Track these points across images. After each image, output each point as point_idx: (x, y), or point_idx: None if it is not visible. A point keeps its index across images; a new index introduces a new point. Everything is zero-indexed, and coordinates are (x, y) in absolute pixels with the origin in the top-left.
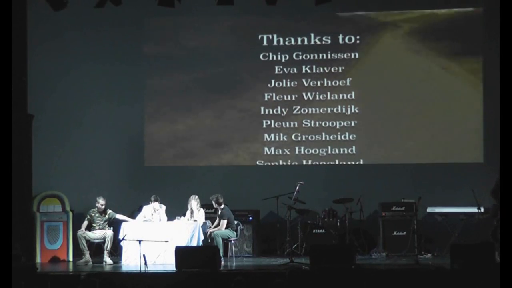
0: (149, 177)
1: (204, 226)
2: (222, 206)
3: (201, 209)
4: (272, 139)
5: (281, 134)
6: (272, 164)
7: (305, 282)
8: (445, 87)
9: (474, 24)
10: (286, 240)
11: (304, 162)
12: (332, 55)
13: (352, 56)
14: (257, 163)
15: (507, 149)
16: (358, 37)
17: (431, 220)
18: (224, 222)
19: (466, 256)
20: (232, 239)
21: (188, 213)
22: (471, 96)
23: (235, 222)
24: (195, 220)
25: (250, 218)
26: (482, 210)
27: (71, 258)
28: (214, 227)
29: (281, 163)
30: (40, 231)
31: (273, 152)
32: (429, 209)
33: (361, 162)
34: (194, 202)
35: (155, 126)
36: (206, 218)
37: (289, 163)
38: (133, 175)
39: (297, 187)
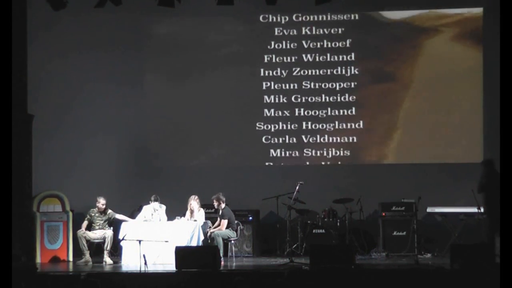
0: (149, 177)
1: (204, 226)
2: (223, 205)
3: (201, 209)
4: (272, 100)
5: (281, 96)
6: (272, 125)
7: (305, 282)
8: (445, 87)
9: (475, 24)
10: (286, 240)
11: (304, 124)
12: (332, 16)
13: (352, 18)
14: (257, 124)
15: (507, 149)
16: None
17: (431, 220)
18: (224, 222)
19: (466, 256)
20: (232, 239)
21: (188, 213)
22: (471, 96)
23: (235, 222)
24: (195, 220)
25: (250, 218)
26: (482, 210)
27: (71, 258)
28: (215, 227)
29: (281, 125)
30: (40, 231)
31: (273, 114)
32: (429, 209)
33: (361, 124)
34: (194, 202)
35: (155, 126)
36: (206, 218)
37: (289, 125)
38: (133, 175)
39: (297, 187)
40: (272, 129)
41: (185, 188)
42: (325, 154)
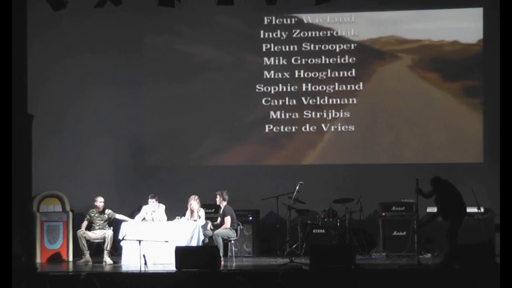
0: (149, 177)
1: (204, 226)
2: (225, 204)
3: (201, 209)
4: (272, 62)
5: (281, 58)
6: (272, 87)
7: (305, 282)
8: (445, 87)
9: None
10: (286, 240)
11: (304, 86)
12: None
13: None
14: (257, 87)
15: (507, 149)
16: None
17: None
18: (228, 219)
19: (466, 256)
20: (232, 239)
21: (188, 213)
22: (471, 96)
23: (236, 221)
24: (195, 220)
25: (250, 218)
26: (482, 210)
27: (71, 258)
28: (216, 226)
29: (280, 87)
30: (40, 231)
31: (272, 76)
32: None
33: (361, 86)
34: (194, 202)
35: (155, 126)
36: (206, 218)
37: (289, 87)
38: (133, 175)
39: (297, 187)
40: (272, 91)
41: (185, 188)
42: (325, 116)
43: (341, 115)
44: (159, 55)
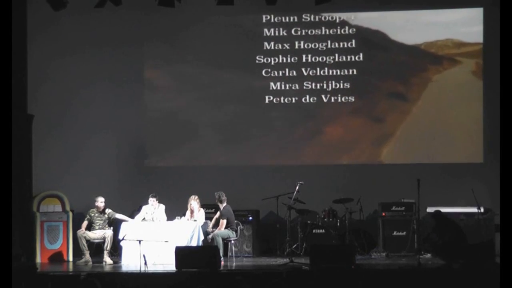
0: (149, 177)
1: (204, 226)
2: (224, 204)
3: (201, 209)
4: (272, 33)
5: (281, 29)
6: (272, 58)
7: (305, 282)
8: (445, 87)
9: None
10: (286, 240)
11: (304, 57)
12: None
13: None
14: (257, 58)
15: (507, 149)
16: None
17: (431, 220)
18: (223, 222)
19: (466, 256)
20: (232, 239)
21: (188, 213)
22: (471, 96)
23: (235, 222)
24: (195, 220)
25: (250, 218)
26: (482, 210)
27: (71, 258)
28: (213, 226)
29: (280, 58)
30: (40, 231)
31: (272, 47)
32: (429, 209)
33: (361, 56)
34: (194, 202)
35: (155, 125)
36: (206, 218)
37: (288, 59)
38: (133, 175)
39: (297, 187)
40: (272, 62)
41: (185, 188)
42: (325, 87)
43: (341, 86)
44: (159, 54)
